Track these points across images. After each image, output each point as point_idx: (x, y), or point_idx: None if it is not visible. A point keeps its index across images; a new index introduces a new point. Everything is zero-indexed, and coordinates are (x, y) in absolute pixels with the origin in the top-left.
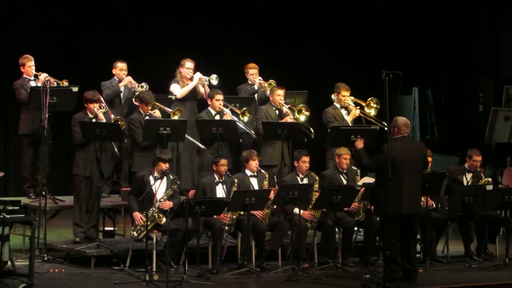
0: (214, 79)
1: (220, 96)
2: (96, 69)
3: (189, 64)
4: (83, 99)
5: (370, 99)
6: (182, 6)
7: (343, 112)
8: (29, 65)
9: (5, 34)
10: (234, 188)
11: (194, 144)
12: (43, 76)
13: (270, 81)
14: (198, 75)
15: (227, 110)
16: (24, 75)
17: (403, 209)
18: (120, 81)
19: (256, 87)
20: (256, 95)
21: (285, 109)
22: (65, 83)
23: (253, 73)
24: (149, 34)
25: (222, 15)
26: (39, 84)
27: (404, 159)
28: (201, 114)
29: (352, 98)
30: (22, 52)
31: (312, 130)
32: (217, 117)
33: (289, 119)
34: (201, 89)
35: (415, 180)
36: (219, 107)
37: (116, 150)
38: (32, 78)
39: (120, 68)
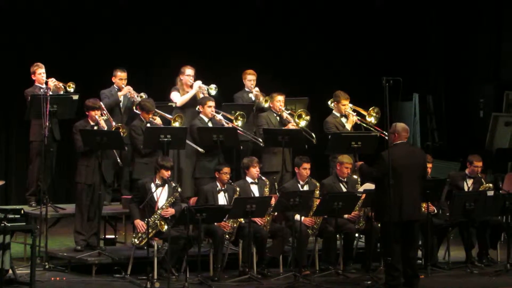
0: (213, 89)
1: (211, 103)
2: (95, 76)
3: (189, 71)
4: (84, 107)
5: (371, 108)
6: (183, 14)
7: (343, 120)
8: (40, 72)
9: (3, 43)
10: (236, 196)
11: (194, 151)
12: (51, 81)
13: (267, 97)
14: (198, 83)
15: (219, 116)
16: (36, 83)
17: (403, 216)
18: (119, 89)
19: (252, 96)
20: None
21: (285, 115)
22: (72, 86)
23: (251, 79)
24: (149, 41)
25: (222, 23)
26: (50, 92)
27: (404, 165)
28: (194, 122)
29: (351, 105)
30: (21, 59)
31: (314, 135)
32: (210, 124)
33: (291, 126)
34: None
35: (415, 186)
36: (211, 114)
37: (118, 157)
38: (44, 86)
39: (120, 77)
